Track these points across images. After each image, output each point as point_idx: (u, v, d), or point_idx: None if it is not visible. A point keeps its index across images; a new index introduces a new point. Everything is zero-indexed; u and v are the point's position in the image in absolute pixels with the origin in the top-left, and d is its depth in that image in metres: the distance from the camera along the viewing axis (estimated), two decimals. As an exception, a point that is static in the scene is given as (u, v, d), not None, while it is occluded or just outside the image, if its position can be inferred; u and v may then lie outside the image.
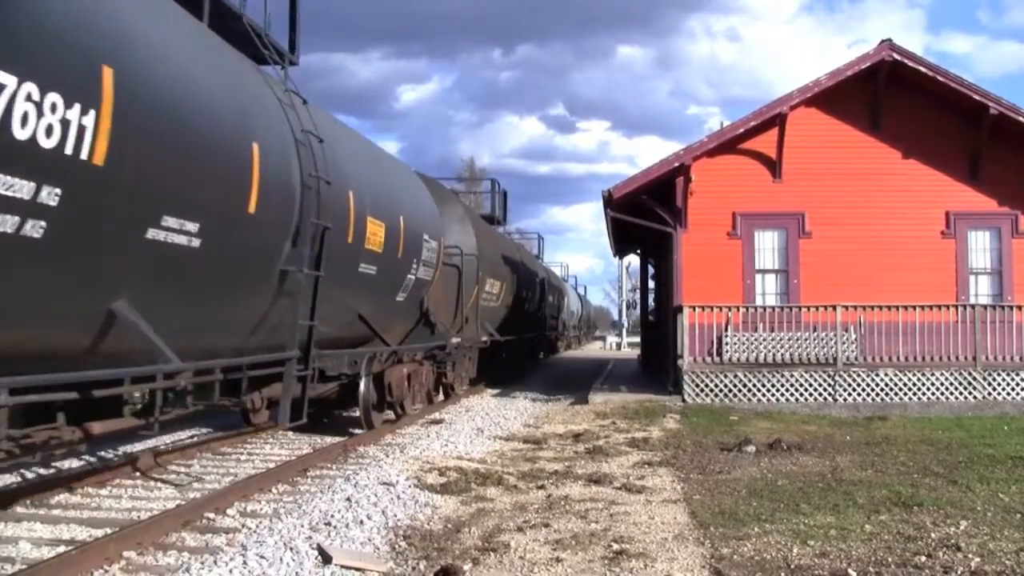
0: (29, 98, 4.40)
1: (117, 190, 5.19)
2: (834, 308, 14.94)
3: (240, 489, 7.60)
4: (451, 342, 14.30)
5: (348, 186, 9.16)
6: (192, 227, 6.08)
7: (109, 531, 6.09)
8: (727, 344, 15.40)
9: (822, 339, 15.22)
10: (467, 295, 15.73)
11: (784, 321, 15.39)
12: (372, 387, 11.13)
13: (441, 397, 15.57)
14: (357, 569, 5.37)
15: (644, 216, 16.46)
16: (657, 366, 21.14)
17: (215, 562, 5.32)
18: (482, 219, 20.41)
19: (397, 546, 5.96)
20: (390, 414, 12.41)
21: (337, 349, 10.21)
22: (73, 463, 8.82)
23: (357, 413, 11.43)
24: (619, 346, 57.33)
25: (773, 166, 16.46)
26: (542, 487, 8.04)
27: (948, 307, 15.19)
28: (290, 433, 11.27)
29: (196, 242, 6.16)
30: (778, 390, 14.74)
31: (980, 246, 16.33)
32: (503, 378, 20.65)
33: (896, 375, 14.65)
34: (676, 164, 15.89)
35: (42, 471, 8.36)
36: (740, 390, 14.78)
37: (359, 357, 10.70)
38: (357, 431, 11.27)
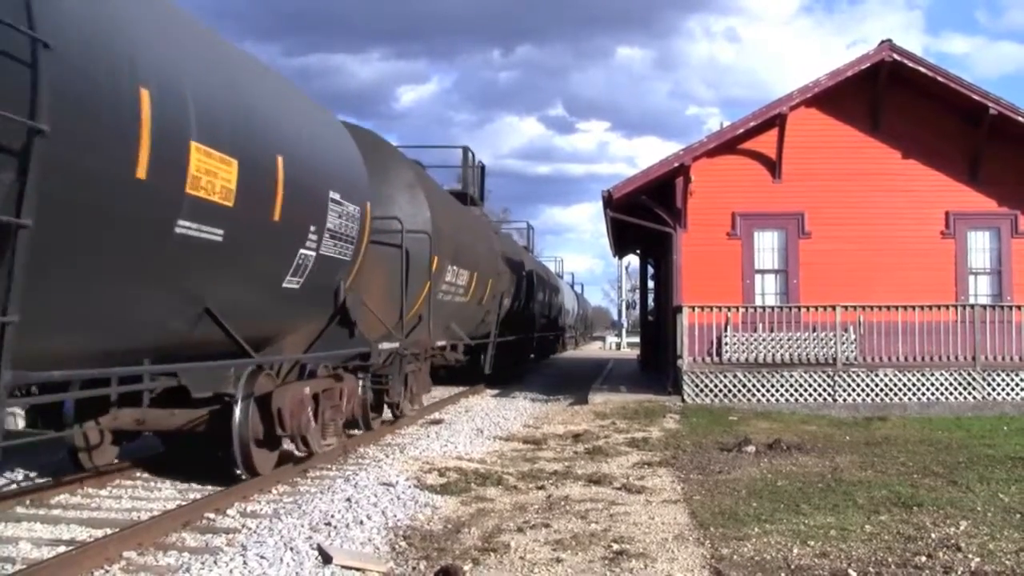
0: None
1: None
2: (834, 308, 14.94)
3: (240, 490, 7.60)
4: (378, 348, 10.62)
5: (137, 77, 5.43)
6: None
7: (109, 531, 6.09)
8: (727, 344, 15.41)
9: (822, 339, 15.22)
10: (416, 286, 12.27)
11: (784, 321, 15.40)
12: (256, 414, 7.77)
13: (389, 416, 12.23)
14: (357, 569, 5.37)
15: (644, 216, 16.46)
16: (657, 366, 21.16)
17: (215, 562, 5.32)
18: (450, 195, 16.58)
19: (397, 546, 5.96)
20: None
21: (212, 360, 7.29)
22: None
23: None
24: (618, 346, 57.39)
25: (773, 166, 16.47)
26: (542, 487, 8.04)
27: (948, 307, 15.19)
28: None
29: None
30: (778, 390, 14.74)
31: (980, 246, 16.35)
32: (493, 383, 20.38)
33: (896, 375, 14.65)
34: (676, 164, 15.90)
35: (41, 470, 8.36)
36: (740, 390, 14.78)
37: (243, 370, 7.69)
38: (244, 477, 7.91)
